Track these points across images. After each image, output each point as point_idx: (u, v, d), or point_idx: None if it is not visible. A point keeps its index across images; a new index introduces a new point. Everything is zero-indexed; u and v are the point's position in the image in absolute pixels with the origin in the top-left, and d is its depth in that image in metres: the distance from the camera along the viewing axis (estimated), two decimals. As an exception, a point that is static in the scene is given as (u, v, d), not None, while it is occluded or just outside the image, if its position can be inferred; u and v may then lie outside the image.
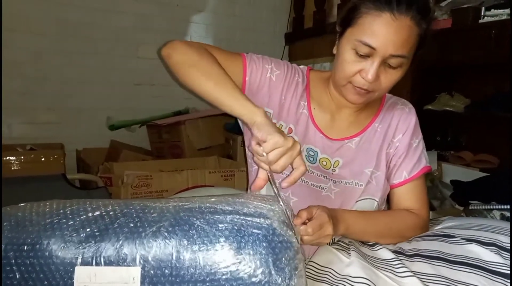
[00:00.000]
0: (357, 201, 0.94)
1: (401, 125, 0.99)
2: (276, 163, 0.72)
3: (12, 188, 1.14)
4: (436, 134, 2.55)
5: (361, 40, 0.81)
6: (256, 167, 0.78)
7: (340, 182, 0.95)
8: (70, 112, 2.27)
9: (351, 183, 0.95)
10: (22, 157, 1.60)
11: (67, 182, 1.50)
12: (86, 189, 1.59)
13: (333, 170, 0.96)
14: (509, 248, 0.77)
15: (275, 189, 0.72)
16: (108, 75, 2.35)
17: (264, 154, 0.72)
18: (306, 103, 0.99)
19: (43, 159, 1.64)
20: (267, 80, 0.97)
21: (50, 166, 1.63)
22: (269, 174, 0.74)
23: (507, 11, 1.96)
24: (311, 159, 0.97)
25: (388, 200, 1.03)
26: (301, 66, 1.05)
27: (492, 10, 2.04)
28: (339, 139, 0.98)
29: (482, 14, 2.10)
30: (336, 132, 0.99)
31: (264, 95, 0.97)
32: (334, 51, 0.92)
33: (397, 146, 0.98)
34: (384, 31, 0.79)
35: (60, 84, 2.22)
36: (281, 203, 0.69)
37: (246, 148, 1.05)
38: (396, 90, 1.07)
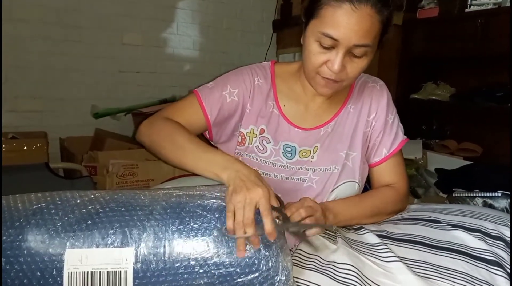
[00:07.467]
0: (338, 186, 0.96)
1: (374, 103, 1.01)
2: (241, 219, 0.65)
3: (-7, 177, 1.11)
4: (422, 123, 2.58)
5: (324, 32, 0.81)
6: None
7: (318, 170, 0.97)
8: (53, 101, 2.21)
9: (329, 169, 0.96)
10: (3, 146, 1.56)
11: (51, 171, 1.47)
12: (70, 178, 1.57)
13: (312, 157, 0.97)
14: (494, 234, 0.78)
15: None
16: (92, 62, 2.29)
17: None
18: (274, 102, 1.00)
19: (25, 148, 1.60)
20: (230, 104, 0.99)
21: (33, 155, 1.60)
22: None
23: (493, 0, 1.97)
24: (289, 155, 0.98)
25: (368, 179, 1.05)
26: (264, 62, 1.06)
27: (479, -1, 2.05)
28: (315, 128, 1.00)
29: (469, 3, 2.11)
30: (311, 121, 1.00)
31: (232, 117, 1.00)
32: (302, 42, 0.91)
33: (373, 125, 1.01)
34: (346, 22, 0.79)
35: (43, 72, 2.16)
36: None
37: None
38: (383, 78, 1.08)
